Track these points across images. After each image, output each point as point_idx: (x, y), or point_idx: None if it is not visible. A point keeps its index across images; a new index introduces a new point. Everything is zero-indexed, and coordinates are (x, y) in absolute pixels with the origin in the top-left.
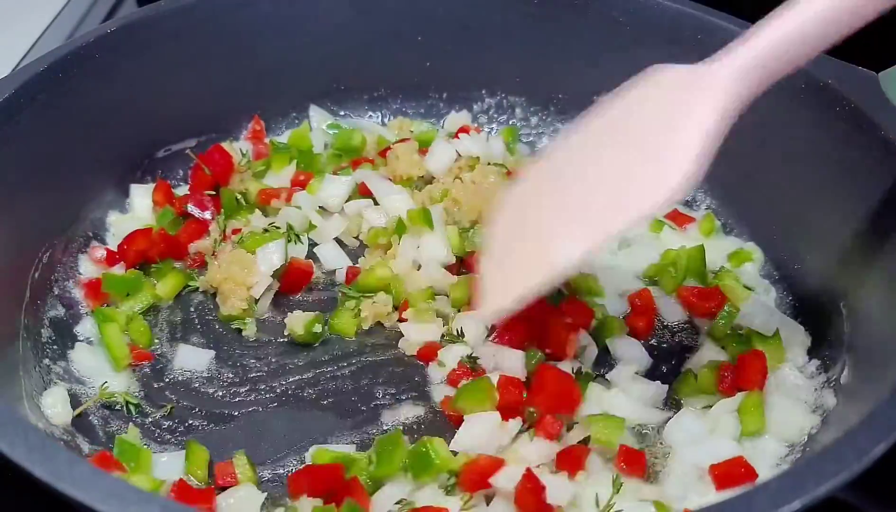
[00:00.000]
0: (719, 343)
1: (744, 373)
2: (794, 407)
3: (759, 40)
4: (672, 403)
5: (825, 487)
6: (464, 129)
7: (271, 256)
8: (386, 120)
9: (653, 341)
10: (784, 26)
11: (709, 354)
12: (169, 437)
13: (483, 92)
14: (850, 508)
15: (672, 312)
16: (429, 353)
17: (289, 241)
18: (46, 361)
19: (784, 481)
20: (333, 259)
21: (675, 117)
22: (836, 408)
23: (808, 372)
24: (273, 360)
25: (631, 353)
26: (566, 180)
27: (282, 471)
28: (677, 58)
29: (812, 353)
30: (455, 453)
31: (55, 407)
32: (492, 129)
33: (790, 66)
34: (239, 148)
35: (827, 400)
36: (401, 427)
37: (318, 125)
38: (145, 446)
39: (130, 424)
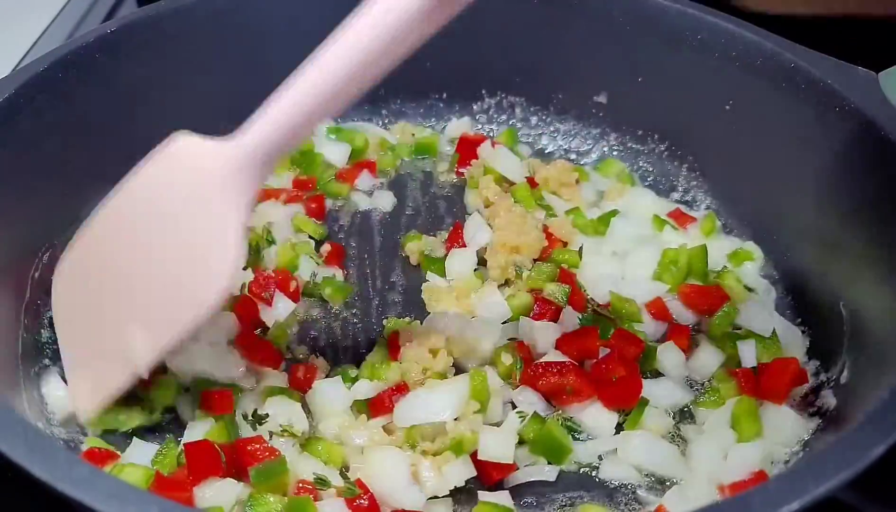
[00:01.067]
0: (716, 343)
1: (769, 381)
2: (788, 412)
3: (266, 123)
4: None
5: (825, 486)
6: (465, 137)
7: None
8: (386, 120)
9: None
10: (289, 103)
11: (706, 354)
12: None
13: (483, 92)
14: (850, 508)
15: (681, 314)
16: None
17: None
18: (46, 360)
19: (784, 481)
20: None
21: (213, 204)
22: (836, 408)
23: (808, 372)
24: None
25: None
26: (121, 266)
27: None
28: (677, 56)
29: (812, 353)
30: None
31: (56, 393)
32: (491, 130)
33: (312, 126)
34: None
35: (827, 400)
36: None
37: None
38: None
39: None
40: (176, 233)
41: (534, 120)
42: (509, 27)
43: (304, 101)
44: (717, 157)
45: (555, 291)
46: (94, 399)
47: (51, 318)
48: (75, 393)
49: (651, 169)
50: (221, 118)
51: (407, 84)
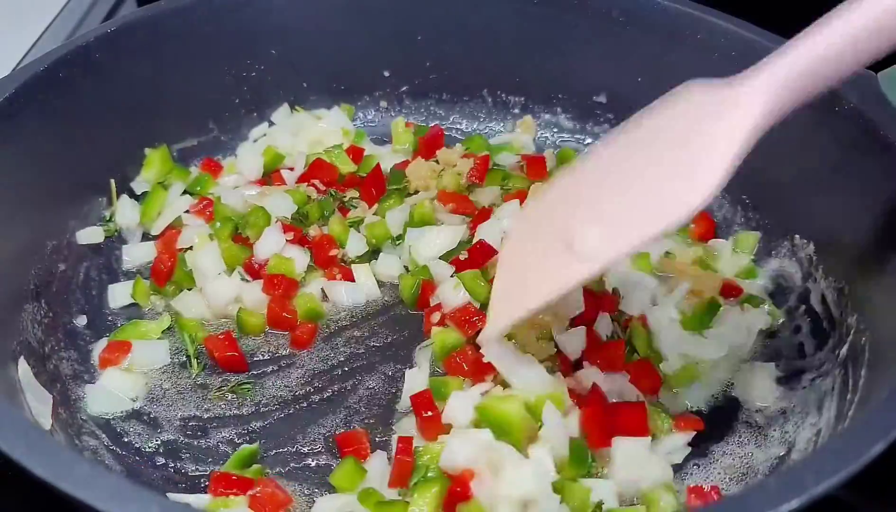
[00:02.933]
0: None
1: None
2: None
3: (799, 55)
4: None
5: (824, 486)
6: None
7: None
8: (385, 121)
9: None
10: (829, 38)
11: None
12: None
13: (483, 92)
14: (849, 507)
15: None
16: None
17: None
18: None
19: (783, 481)
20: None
21: (705, 134)
22: (837, 408)
23: (811, 371)
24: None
25: None
26: (593, 191)
27: None
28: (677, 56)
29: (814, 352)
30: None
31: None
32: (490, 128)
33: (832, 80)
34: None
35: (827, 400)
36: None
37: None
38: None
39: None
40: (661, 153)
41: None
42: (510, 27)
43: (834, 44)
44: None
45: None
46: (522, 305)
47: (50, 316)
48: (501, 304)
49: None
50: (221, 118)
51: (407, 84)
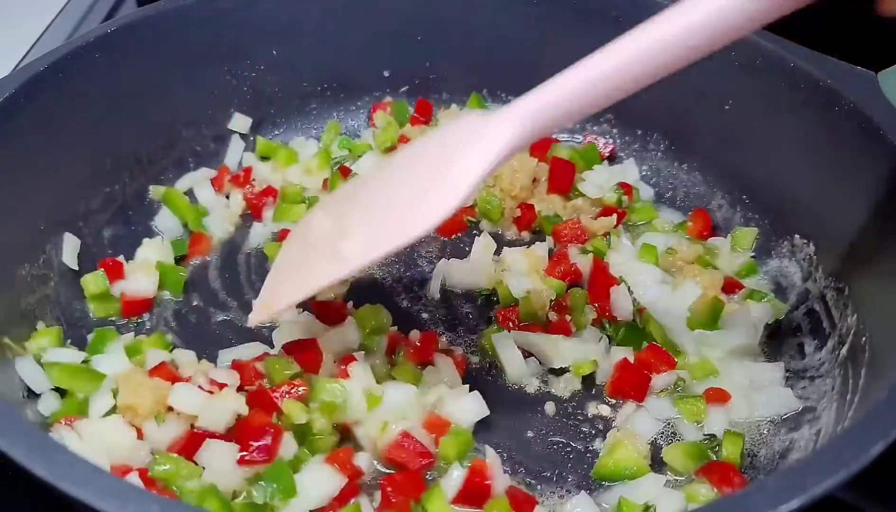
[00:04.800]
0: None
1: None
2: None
3: (538, 98)
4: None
5: (824, 486)
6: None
7: None
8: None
9: None
10: (563, 86)
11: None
12: None
13: (483, 92)
14: (849, 507)
15: None
16: None
17: None
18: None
19: (783, 481)
20: None
21: (458, 159)
22: (837, 408)
23: (811, 371)
24: None
25: None
26: (363, 203)
27: None
28: None
29: (814, 352)
30: None
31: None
32: None
33: (574, 116)
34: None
35: (827, 399)
36: None
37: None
38: None
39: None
40: (421, 174)
41: None
42: (509, 27)
43: (573, 88)
44: (717, 156)
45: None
46: (289, 296)
47: (48, 317)
48: (261, 301)
49: (651, 169)
50: (221, 117)
51: (407, 84)
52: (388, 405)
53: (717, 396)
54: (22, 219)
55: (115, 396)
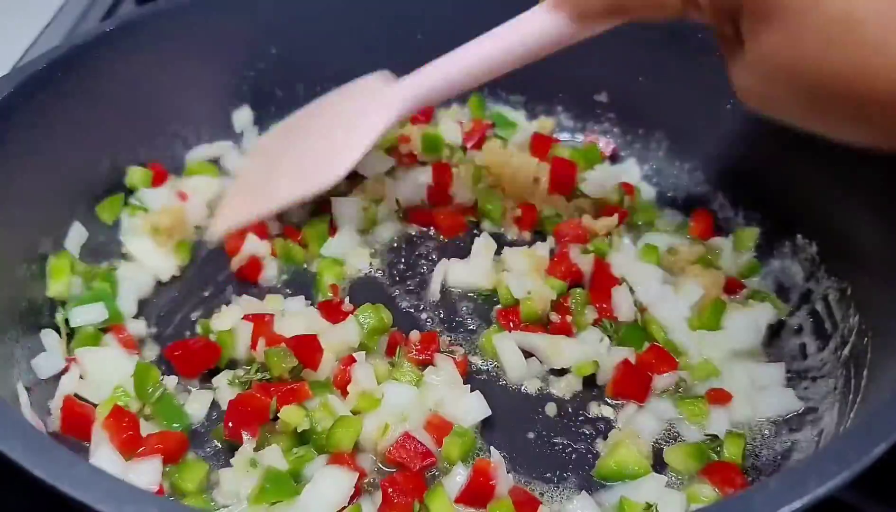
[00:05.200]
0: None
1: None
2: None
3: (425, 74)
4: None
5: (826, 487)
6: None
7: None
8: None
9: None
10: (441, 69)
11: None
12: None
13: (483, 92)
14: (851, 508)
15: None
16: None
17: None
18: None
19: (784, 481)
20: None
21: (358, 119)
22: (839, 408)
23: (813, 372)
24: None
25: None
26: (289, 148)
27: None
28: (677, 55)
29: (816, 352)
30: None
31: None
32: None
33: (448, 93)
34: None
35: (829, 400)
36: None
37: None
38: None
39: None
40: (335, 125)
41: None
42: None
43: (448, 72)
44: (719, 156)
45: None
46: (231, 222)
47: (47, 316)
48: (218, 217)
49: (653, 168)
50: (220, 116)
51: None
52: (389, 406)
53: (719, 397)
54: (20, 218)
55: None
